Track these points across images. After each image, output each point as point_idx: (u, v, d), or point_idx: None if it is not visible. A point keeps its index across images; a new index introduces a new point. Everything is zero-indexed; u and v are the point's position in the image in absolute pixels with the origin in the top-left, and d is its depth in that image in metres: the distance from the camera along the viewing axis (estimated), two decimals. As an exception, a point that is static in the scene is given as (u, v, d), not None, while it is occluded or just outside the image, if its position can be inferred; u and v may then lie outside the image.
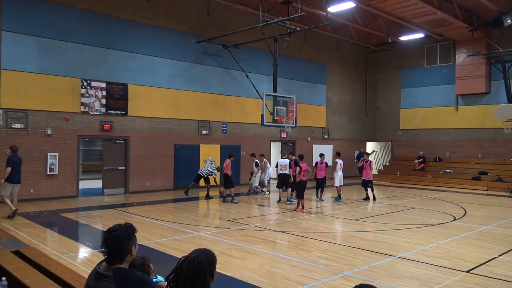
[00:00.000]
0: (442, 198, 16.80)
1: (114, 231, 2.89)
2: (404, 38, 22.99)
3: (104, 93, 15.54)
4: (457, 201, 15.91)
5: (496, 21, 19.72)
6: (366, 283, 2.31)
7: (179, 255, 2.73)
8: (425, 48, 24.69)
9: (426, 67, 24.84)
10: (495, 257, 7.87)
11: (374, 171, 26.10)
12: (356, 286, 2.30)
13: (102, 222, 11.10)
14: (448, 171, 22.52)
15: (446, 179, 21.88)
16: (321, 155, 15.90)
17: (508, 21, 19.13)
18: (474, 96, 22.81)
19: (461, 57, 22.80)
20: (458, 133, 23.55)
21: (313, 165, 16.51)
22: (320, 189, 15.73)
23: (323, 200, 15.42)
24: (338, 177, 15.90)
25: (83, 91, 15.05)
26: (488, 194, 18.46)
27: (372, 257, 7.78)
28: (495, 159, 21.42)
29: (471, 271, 6.92)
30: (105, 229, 3.00)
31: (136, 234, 3.00)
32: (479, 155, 22.47)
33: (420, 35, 22.34)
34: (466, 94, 22.99)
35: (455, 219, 12.15)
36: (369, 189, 15.82)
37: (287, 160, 14.96)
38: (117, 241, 2.86)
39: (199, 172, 16.00)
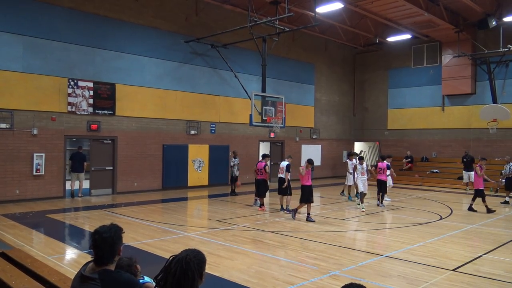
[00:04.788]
0: (429, 198, 16.98)
1: (104, 232, 2.89)
2: (391, 39, 23.20)
3: (91, 92, 15.39)
4: (443, 200, 16.10)
5: (481, 23, 19.99)
6: (355, 282, 2.32)
7: (167, 255, 2.72)
8: (412, 49, 24.94)
9: (413, 67, 25.08)
10: (481, 256, 7.98)
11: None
12: (345, 285, 2.31)
13: (89, 223, 10.99)
14: (434, 170, 22.78)
15: (432, 178, 22.13)
16: (385, 157, 14.82)
17: (493, 23, 19.40)
18: (460, 97, 23.12)
19: (447, 58, 23.08)
20: (444, 133, 23.84)
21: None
22: (381, 193, 14.32)
23: (383, 206, 14.13)
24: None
25: (70, 90, 14.88)
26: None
27: (360, 256, 7.83)
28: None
29: (457, 270, 7.01)
30: (92, 230, 2.98)
31: (123, 234, 3.01)
32: (465, 155, 22.77)
33: (407, 36, 22.56)
34: (452, 94, 23.29)
35: (441, 218, 12.29)
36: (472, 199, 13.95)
37: (285, 163, 13.10)
38: (109, 242, 2.87)
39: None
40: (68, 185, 15.47)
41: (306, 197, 11.49)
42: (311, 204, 11.69)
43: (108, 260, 2.87)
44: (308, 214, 11.49)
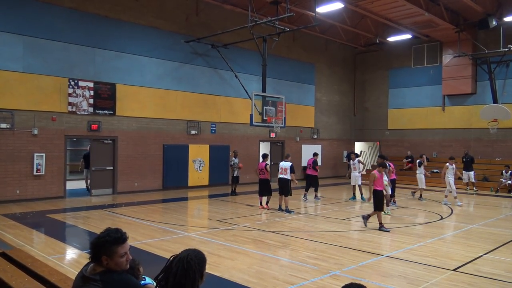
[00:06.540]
0: (429, 197, 16.96)
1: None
2: (391, 39, 23.19)
3: (91, 92, 15.39)
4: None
5: (481, 23, 19.96)
6: (356, 282, 2.32)
7: (168, 255, 2.72)
8: (413, 49, 24.93)
9: (413, 67, 25.08)
10: (481, 256, 7.97)
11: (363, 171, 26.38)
12: (345, 285, 2.31)
13: (89, 223, 10.96)
14: (435, 170, 22.70)
15: (433, 178, 22.05)
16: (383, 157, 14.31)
17: (494, 23, 19.39)
18: (460, 97, 23.11)
19: (447, 58, 23.07)
20: (445, 133, 23.83)
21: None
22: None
23: (397, 206, 14.27)
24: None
25: (70, 90, 14.89)
26: (474, 193, 18.67)
27: (360, 256, 7.83)
28: (481, 159, 21.70)
29: (457, 270, 7.00)
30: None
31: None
32: (466, 155, 22.75)
33: (407, 36, 22.55)
34: (452, 94, 23.28)
35: (442, 218, 12.29)
36: None
37: (289, 163, 13.09)
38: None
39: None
40: (68, 185, 15.52)
41: (380, 205, 10.52)
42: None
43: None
44: (380, 223, 10.39)
